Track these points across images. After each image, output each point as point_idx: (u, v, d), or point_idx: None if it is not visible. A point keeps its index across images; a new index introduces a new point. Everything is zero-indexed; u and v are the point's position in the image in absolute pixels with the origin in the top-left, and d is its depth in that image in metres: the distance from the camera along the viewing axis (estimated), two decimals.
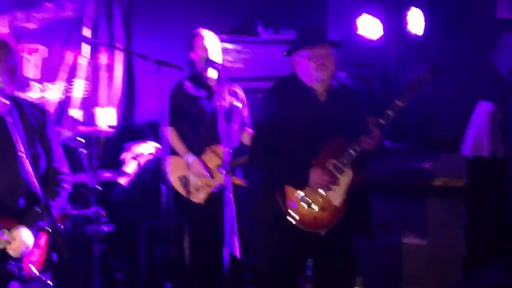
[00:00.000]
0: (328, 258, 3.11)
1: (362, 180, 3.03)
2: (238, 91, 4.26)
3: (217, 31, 4.84)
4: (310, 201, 3.00)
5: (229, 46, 4.91)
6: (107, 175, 4.07)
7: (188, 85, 4.14)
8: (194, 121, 4.11)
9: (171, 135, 4.06)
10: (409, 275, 4.21)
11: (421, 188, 4.19)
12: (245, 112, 4.29)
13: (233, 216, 2.95)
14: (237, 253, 2.96)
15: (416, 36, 4.68)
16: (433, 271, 4.14)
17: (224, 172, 3.16)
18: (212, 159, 4.09)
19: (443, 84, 4.08)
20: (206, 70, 4.05)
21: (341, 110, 3.03)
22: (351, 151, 2.94)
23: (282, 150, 3.02)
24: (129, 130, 4.89)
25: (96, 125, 4.64)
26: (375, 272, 4.20)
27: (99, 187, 3.87)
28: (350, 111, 3.04)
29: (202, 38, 4.09)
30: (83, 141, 3.65)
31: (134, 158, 4.32)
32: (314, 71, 2.99)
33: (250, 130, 4.23)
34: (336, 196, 2.98)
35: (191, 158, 4.05)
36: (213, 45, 4.11)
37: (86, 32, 4.73)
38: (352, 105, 3.07)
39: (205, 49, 4.06)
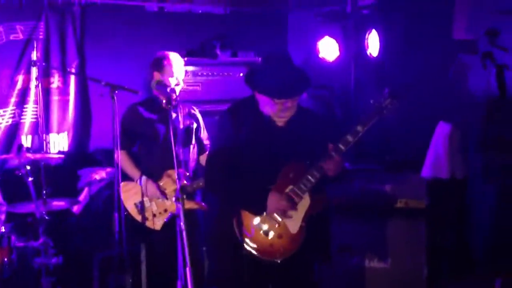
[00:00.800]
0: (288, 286, 3.03)
1: (320, 208, 2.96)
2: (194, 112, 4.17)
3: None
4: (267, 228, 2.91)
5: (186, 68, 4.83)
6: (58, 203, 3.90)
7: (142, 109, 4.04)
8: (149, 144, 4.00)
9: (123, 159, 3.92)
10: None
11: (382, 209, 4.19)
12: (203, 134, 4.21)
13: (185, 247, 2.83)
14: (190, 286, 2.83)
15: (374, 58, 4.70)
16: None
17: (175, 200, 3.04)
18: (168, 184, 3.97)
19: (402, 105, 4.10)
20: (161, 93, 3.95)
21: (300, 134, 2.96)
22: (309, 177, 2.87)
23: (239, 175, 2.93)
24: (82, 156, 4.74)
25: (47, 152, 4.48)
26: None
27: (46, 217, 3.72)
28: (309, 136, 2.97)
29: (170, 60, 3.99)
30: (28, 168, 3.48)
31: (86, 185, 4.17)
32: (278, 111, 2.89)
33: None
34: (293, 224, 2.91)
35: (143, 180, 3.92)
36: (180, 67, 4.03)
37: (37, 55, 4.59)
38: (311, 129, 3.00)
39: (172, 73, 3.97)
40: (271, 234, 2.91)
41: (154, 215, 3.95)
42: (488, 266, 4.16)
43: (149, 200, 3.95)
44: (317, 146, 2.91)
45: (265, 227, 2.91)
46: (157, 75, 3.97)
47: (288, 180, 2.91)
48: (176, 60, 4.03)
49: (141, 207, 3.95)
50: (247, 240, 2.89)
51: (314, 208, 2.92)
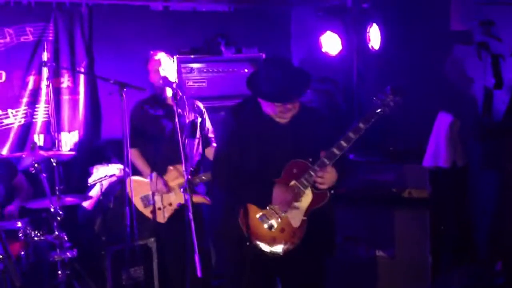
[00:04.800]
0: (295, 279, 3.10)
1: (322, 202, 3.00)
2: (199, 106, 4.28)
3: (179, 51, 4.90)
4: (270, 222, 2.99)
5: (191, 65, 4.94)
6: (70, 199, 4.03)
7: (147, 106, 4.16)
8: (155, 140, 4.11)
9: (133, 156, 4.06)
10: (379, 286, 4.22)
11: (386, 200, 4.23)
12: (208, 128, 4.31)
13: (193, 236, 2.93)
14: (199, 272, 2.94)
15: (375, 51, 4.76)
16: (401, 281, 4.17)
17: (183, 191, 3.14)
18: (174, 178, 4.09)
19: (404, 102, 4.17)
20: (163, 90, 4.08)
21: (303, 132, 3.01)
22: (312, 173, 2.93)
23: (244, 170, 2.99)
24: (93, 153, 4.85)
25: (59, 150, 4.60)
26: (343, 285, 4.21)
27: (61, 212, 3.83)
28: (312, 133, 3.02)
29: (155, 61, 4.12)
30: (42, 165, 3.59)
31: (98, 181, 4.29)
32: (280, 113, 2.96)
33: (215, 145, 4.25)
34: (296, 218, 2.97)
35: (154, 176, 4.04)
36: (166, 66, 4.14)
37: (47, 56, 4.71)
38: (314, 127, 3.05)
39: (159, 71, 4.09)
40: (274, 228, 2.98)
41: (159, 209, 4.06)
42: (490, 252, 4.21)
43: (156, 194, 4.06)
44: (321, 143, 2.96)
45: (268, 221, 2.98)
46: (148, 76, 4.11)
47: (292, 175, 2.97)
48: (160, 59, 4.13)
49: (147, 201, 4.08)
50: (251, 233, 2.97)
51: (316, 203, 2.98)
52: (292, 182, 2.97)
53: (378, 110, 2.86)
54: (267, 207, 2.99)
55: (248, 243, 2.95)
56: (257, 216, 2.99)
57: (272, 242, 2.97)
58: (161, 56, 4.16)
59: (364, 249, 4.28)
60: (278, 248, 2.97)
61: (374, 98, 2.89)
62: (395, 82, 2.90)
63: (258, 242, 2.97)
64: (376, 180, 4.30)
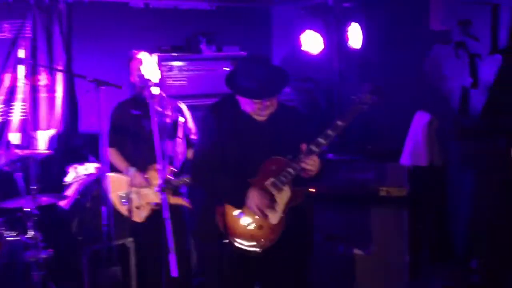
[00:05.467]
0: (274, 277, 3.08)
1: (301, 200, 3.01)
2: (181, 106, 4.26)
3: (159, 48, 4.87)
4: (247, 219, 2.98)
5: (172, 63, 4.91)
6: (46, 199, 3.98)
7: (128, 106, 4.13)
8: (134, 139, 4.08)
9: (112, 155, 4.02)
10: (357, 284, 4.24)
11: (365, 198, 4.25)
12: (191, 128, 4.28)
13: (168, 235, 2.91)
14: (174, 272, 2.91)
15: (355, 50, 4.78)
16: (379, 278, 4.19)
17: (159, 190, 3.12)
18: (154, 178, 4.06)
19: (381, 100, 4.18)
20: (143, 89, 4.03)
21: (281, 129, 3.02)
22: (290, 170, 2.93)
23: (222, 169, 3.00)
24: (70, 152, 4.81)
25: (35, 148, 4.55)
26: (324, 283, 4.22)
27: (36, 212, 3.78)
28: (290, 131, 3.03)
29: (136, 60, 4.09)
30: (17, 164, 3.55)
31: (75, 180, 4.24)
32: (258, 110, 2.97)
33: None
34: (274, 215, 2.97)
35: (131, 171, 4.01)
36: (148, 65, 4.10)
37: (24, 53, 4.65)
38: (292, 125, 3.06)
39: (140, 71, 4.05)
40: (252, 225, 2.98)
41: (137, 207, 4.03)
42: (465, 250, 4.24)
43: (133, 192, 4.03)
44: (299, 141, 2.95)
45: (245, 218, 2.97)
46: (130, 76, 4.08)
47: (270, 172, 2.97)
48: (142, 58, 4.08)
49: (125, 199, 4.04)
50: (229, 231, 2.96)
51: (295, 200, 2.98)
52: (270, 180, 2.96)
53: (356, 108, 2.88)
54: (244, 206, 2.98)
55: (226, 240, 2.94)
56: (234, 214, 2.98)
57: (250, 239, 2.96)
58: (143, 55, 4.13)
59: (343, 247, 4.30)
60: (256, 245, 2.96)
61: (353, 96, 2.91)
62: (373, 82, 2.92)
63: (236, 239, 2.96)
64: (355, 178, 4.31)
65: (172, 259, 2.90)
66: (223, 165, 3.00)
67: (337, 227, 4.29)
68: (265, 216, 2.96)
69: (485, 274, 3.80)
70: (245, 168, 2.98)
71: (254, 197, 2.93)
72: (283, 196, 2.97)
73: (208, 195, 3.12)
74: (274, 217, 2.97)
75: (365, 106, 2.88)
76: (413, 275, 4.12)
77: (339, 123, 2.86)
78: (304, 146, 2.91)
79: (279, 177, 2.95)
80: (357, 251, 4.27)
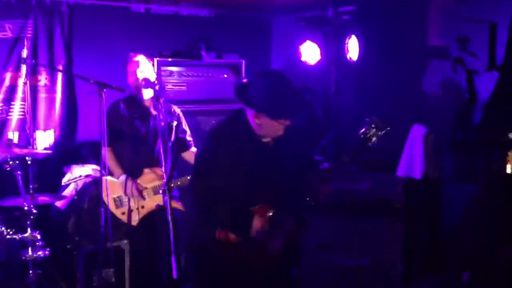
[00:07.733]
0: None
1: (296, 229, 3.08)
2: (175, 110, 4.28)
3: (160, 54, 4.90)
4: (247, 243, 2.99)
5: (171, 68, 4.95)
6: (44, 198, 3.98)
7: (123, 106, 4.15)
8: (129, 141, 4.10)
9: (108, 156, 4.03)
10: None
11: (360, 209, 4.28)
12: (186, 130, 4.31)
13: (171, 237, 2.94)
14: (174, 274, 2.94)
15: (353, 62, 4.84)
16: None
17: (162, 193, 3.14)
18: (150, 180, 4.08)
19: (379, 108, 4.26)
20: (140, 92, 4.08)
21: (286, 152, 2.98)
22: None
23: (224, 197, 2.91)
24: (68, 153, 4.81)
25: (33, 148, 4.55)
26: None
27: (34, 211, 3.78)
28: (294, 152, 3.01)
29: (133, 62, 4.12)
30: (17, 162, 3.55)
31: (72, 181, 4.25)
32: (279, 131, 2.88)
33: (194, 149, 4.25)
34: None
35: (122, 179, 4.03)
36: (144, 68, 4.14)
37: (25, 53, 4.66)
38: (295, 146, 3.03)
39: (136, 73, 4.09)
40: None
41: (131, 211, 4.04)
42: (458, 262, 4.29)
43: (127, 196, 4.05)
44: (301, 163, 2.99)
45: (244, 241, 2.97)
46: (127, 78, 4.11)
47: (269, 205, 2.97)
48: (139, 61, 4.13)
49: (119, 202, 4.06)
50: (227, 253, 2.98)
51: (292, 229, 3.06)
52: (271, 211, 2.97)
53: (362, 146, 2.92)
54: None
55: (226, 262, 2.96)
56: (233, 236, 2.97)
57: (247, 262, 2.99)
58: (140, 58, 4.16)
59: (337, 257, 4.33)
60: (253, 267, 3.00)
61: (359, 134, 2.91)
62: (376, 115, 2.90)
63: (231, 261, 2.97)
64: (350, 188, 4.35)
65: (174, 261, 2.92)
66: (225, 192, 2.92)
67: (330, 237, 4.31)
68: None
69: (476, 286, 3.85)
70: (251, 194, 2.94)
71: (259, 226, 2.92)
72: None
73: (206, 217, 3.05)
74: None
75: (369, 142, 2.90)
76: (405, 286, 4.15)
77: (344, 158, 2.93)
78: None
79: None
80: (351, 261, 4.30)
